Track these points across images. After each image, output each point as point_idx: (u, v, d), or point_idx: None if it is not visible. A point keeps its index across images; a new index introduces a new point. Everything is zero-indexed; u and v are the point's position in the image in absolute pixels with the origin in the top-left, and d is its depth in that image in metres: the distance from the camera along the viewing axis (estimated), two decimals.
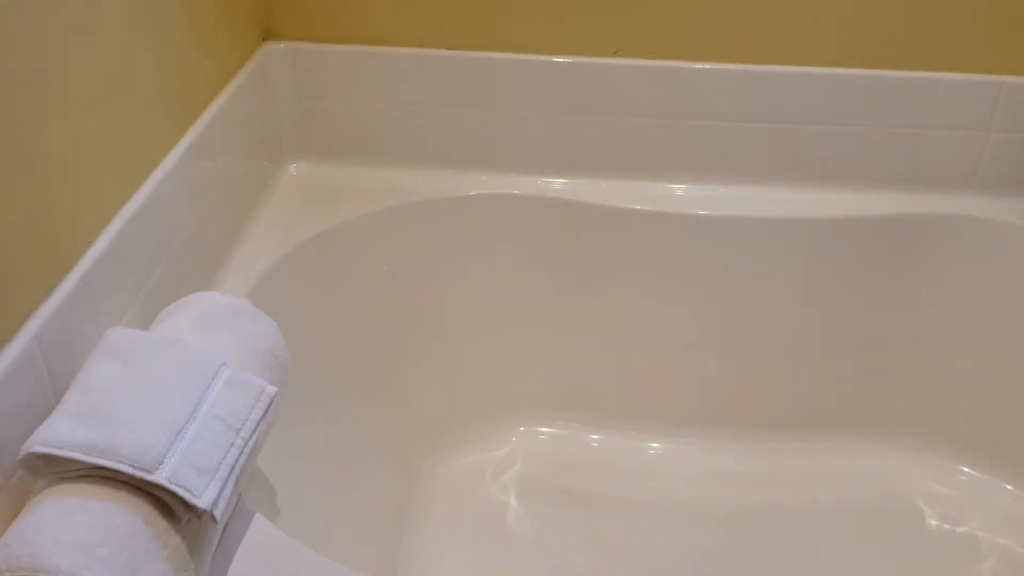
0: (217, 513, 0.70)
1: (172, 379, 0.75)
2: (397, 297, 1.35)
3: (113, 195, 0.90)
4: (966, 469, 1.43)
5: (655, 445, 1.48)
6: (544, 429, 1.48)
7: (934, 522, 1.37)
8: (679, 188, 1.40)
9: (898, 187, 1.37)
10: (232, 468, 0.74)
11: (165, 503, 0.69)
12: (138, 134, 0.94)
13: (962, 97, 1.31)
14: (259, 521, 0.81)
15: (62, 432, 0.68)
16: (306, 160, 1.38)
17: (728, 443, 1.48)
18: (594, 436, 1.48)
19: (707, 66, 1.32)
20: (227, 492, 0.72)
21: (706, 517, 1.38)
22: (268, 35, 1.32)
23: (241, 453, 0.75)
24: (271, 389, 0.80)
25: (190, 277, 1.05)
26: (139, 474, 0.67)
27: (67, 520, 0.64)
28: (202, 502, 0.69)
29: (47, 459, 0.68)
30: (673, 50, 1.31)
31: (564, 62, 1.32)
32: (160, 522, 0.68)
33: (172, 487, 0.68)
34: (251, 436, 0.77)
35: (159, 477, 0.68)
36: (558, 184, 1.39)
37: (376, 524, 1.25)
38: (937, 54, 1.31)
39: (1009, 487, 1.41)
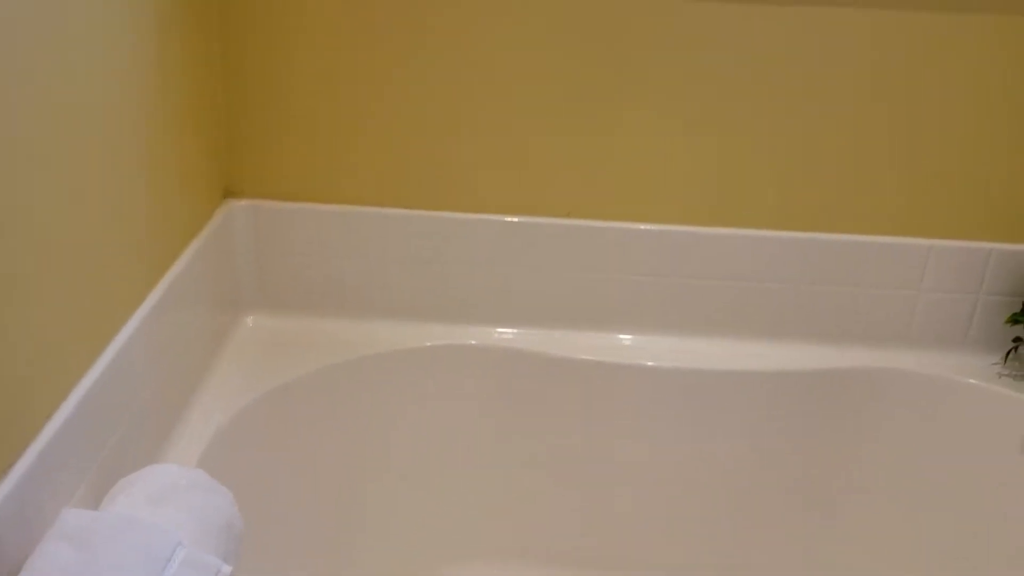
0: None
1: (126, 563, 0.75)
2: (352, 450, 1.35)
3: (73, 365, 0.90)
4: None
5: None
6: None
7: None
8: (627, 339, 1.45)
9: (837, 342, 1.43)
10: None
11: None
12: (100, 300, 0.95)
13: (893, 259, 1.39)
14: None
15: None
16: (263, 312, 1.40)
17: None
18: None
19: (653, 227, 1.38)
20: None
21: None
22: (230, 192, 1.36)
23: None
24: (227, 569, 0.80)
25: (146, 440, 1.05)
26: None
27: None
28: None
29: None
30: (621, 212, 1.38)
31: (517, 221, 1.37)
32: None
33: None
34: None
35: None
36: (510, 334, 1.43)
37: None
38: (869, 218, 1.39)
39: None
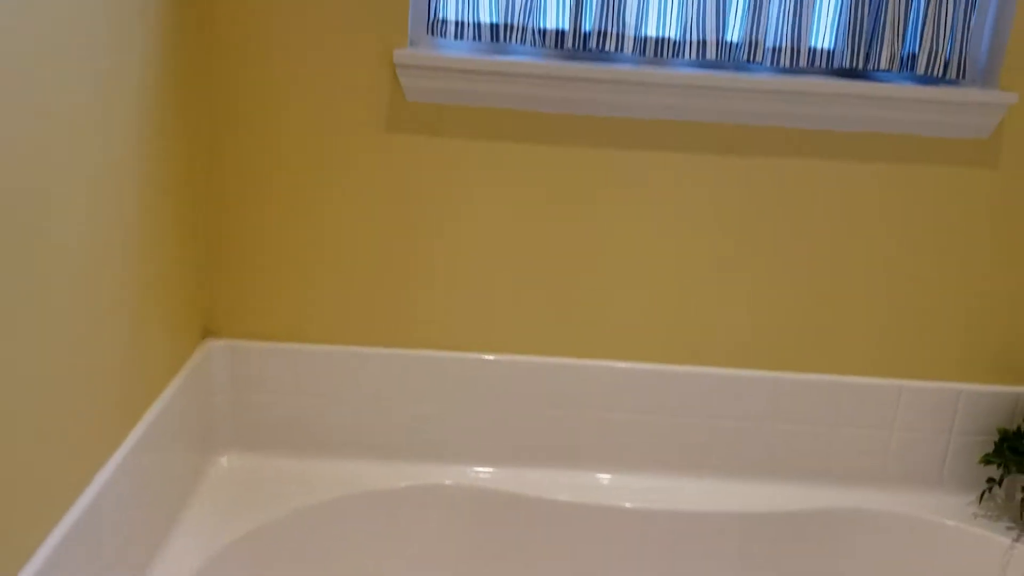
0: None
1: None
2: None
3: (42, 518, 0.88)
4: None
5: None
6: None
7: None
8: (604, 478, 1.44)
9: (812, 481, 1.43)
10: None
11: None
12: (75, 445, 0.94)
13: (866, 399, 1.41)
14: None
15: None
16: (238, 452, 1.39)
17: None
18: None
19: (630, 365, 1.39)
20: None
21: None
22: (209, 332, 1.36)
23: None
24: None
25: None
26: None
27: None
28: None
29: None
30: (597, 350, 1.39)
31: (492, 359, 1.38)
32: None
33: None
34: None
35: None
36: (486, 474, 1.42)
37: None
38: (842, 358, 1.41)
39: None
